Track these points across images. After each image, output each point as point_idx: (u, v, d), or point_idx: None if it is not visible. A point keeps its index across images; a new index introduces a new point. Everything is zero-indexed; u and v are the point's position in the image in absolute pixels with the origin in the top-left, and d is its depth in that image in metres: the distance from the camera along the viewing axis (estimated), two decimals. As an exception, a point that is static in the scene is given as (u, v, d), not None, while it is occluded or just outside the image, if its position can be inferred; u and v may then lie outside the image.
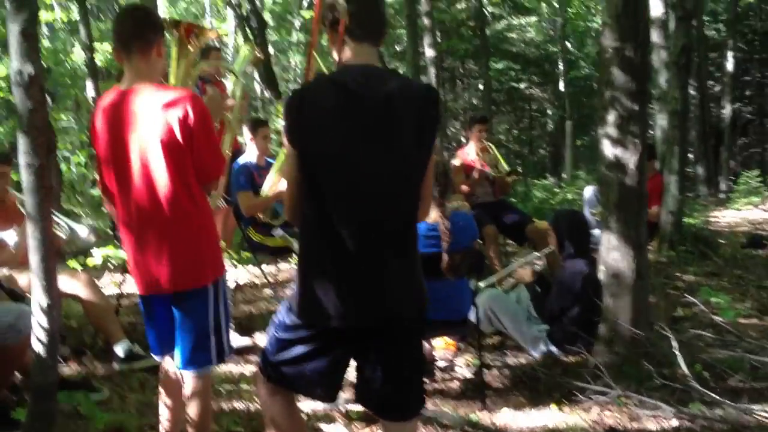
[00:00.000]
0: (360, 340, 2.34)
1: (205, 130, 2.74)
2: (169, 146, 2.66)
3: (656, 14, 8.11)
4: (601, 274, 4.43)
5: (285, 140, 2.28)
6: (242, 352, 4.64)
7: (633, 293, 4.32)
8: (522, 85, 24.51)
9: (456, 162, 6.61)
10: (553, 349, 4.55)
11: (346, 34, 2.29)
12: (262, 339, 4.83)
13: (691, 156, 17.57)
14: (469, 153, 6.64)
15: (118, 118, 2.72)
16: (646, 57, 4.23)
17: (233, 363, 4.49)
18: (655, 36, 8.24)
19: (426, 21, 12.46)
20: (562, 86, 22.17)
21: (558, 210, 5.08)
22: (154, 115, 2.65)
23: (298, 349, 2.36)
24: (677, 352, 3.91)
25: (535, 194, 12.33)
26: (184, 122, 2.65)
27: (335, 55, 2.35)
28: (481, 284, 4.55)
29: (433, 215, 3.83)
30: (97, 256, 5.44)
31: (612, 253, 4.35)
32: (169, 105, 2.65)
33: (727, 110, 18.91)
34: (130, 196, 2.75)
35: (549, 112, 25.87)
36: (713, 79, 22.07)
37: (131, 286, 3.71)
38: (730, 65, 18.67)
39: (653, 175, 6.97)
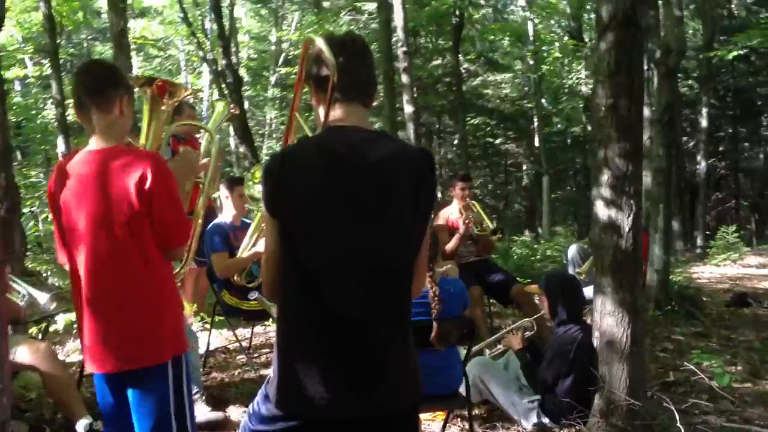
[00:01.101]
0: (353, 430, 2.07)
1: (167, 193, 2.53)
2: (125, 211, 2.47)
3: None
4: (596, 341, 4.22)
5: (263, 208, 2.05)
6: (213, 428, 4.31)
7: (629, 361, 4.10)
8: (497, 141, 24.66)
9: (440, 221, 6.42)
10: (546, 420, 4.29)
11: (334, 93, 2.06)
12: (235, 412, 4.52)
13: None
14: (452, 212, 6.45)
15: (74, 181, 2.52)
16: (640, 114, 4.09)
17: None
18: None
19: (404, 78, 12.39)
20: (537, 141, 22.29)
21: (549, 273, 4.86)
22: (110, 179, 2.47)
23: None
24: (680, 425, 3.70)
25: (515, 251, 12.17)
26: (140, 185, 2.45)
27: (321, 116, 2.12)
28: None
29: (421, 281, 3.61)
30: (59, 321, 5.13)
31: (607, 319, 4.15)
32: (126, 167, 2.47)
33: (701, 166, 19.08)
34: (83, 264, 2.53)
35: (524, 167, 25.99)
36: (687, 135, 22.36)
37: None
38: (704, 121, 18.90)
39: (639, 233, 6.83)
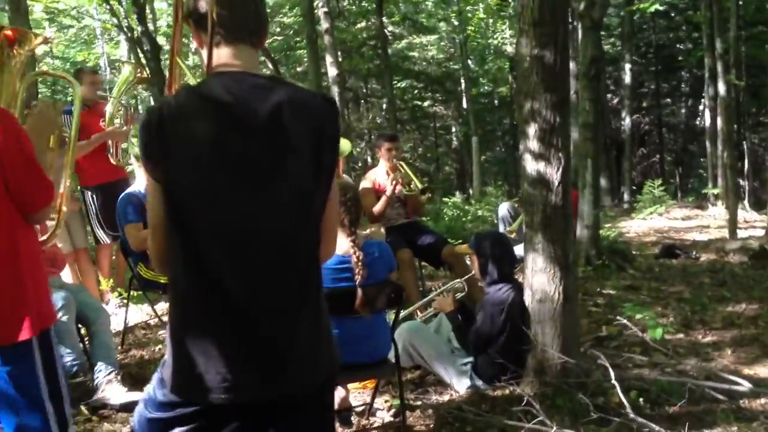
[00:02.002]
0: (256, 417, 1.85)
1: (19, 152, 2.25)
2: None
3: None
4: (527, 299, 4.10)
5: (143, 169, 1.79)
6: (131, 410, 4.04)
7: (561, 318, 4.01)
8: (426, 103, 24.52)
9: (365, 183, 6.20)
10: (479, 383, 4.17)
11: (216, 33, 1.78)
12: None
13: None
14: (379, 174, 6.23)
15: None
16: (566, 64, 3.94)
17: (120, 423, 3.91)
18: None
19: (327, 39, 12.05)
20: (465, 103, 22.23)
21: (479, 232, 4.70)
22: None
23: (178, 431, 1.85)
24: (615, 382, 3.62)
25: (446, 213, 12.06)
26: None
27: (204, 60, 1.84)
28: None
29: (344, 246, 3.40)
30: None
31: (538, 276, 4.03)
32: None
33: (626, 122, 19.33)
34: None
35: (453, 129, 25.97)
36: (611, 92, 22.62)
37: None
38: (627, 78, 19.11)
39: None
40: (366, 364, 3.55)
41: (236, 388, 1.76)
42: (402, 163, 6.15)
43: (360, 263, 3.34)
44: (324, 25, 11.89)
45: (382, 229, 4.51)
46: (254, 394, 1.79)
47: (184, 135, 1.70)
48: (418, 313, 4.83)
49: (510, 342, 4.10)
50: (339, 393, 3.70)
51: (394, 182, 5.91)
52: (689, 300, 6.30)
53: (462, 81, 22.50)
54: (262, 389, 1.80)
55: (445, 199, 13.53)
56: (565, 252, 4.00)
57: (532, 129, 3.95)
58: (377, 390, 3.96)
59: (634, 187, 18.80)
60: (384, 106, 22.48)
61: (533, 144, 3.95)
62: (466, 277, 4.62)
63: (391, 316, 3.84)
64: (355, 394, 4.21)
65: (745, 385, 3.74)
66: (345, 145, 5.77)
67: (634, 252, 8.68)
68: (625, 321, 4.07)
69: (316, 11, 12.24)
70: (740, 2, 13.49)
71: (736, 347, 5.09)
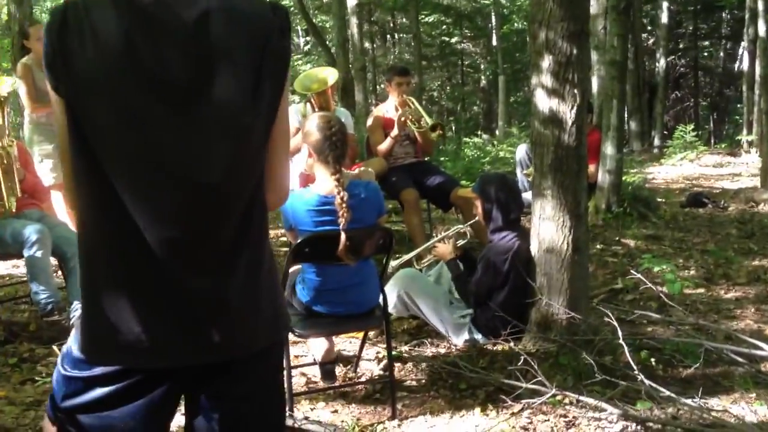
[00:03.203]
0: (186, 380, 1.57)
1: None
2: None
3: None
4: (534, 249, 3.78)
5: (47, 81, 1.46)
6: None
7: (570, 270, 3.69)
8: (454, 40, 23.80)
9: (373, 119, 5.84)
10: (478, 336, 3.89)
11: None
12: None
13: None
14: (388, 108, 5.86)
15: None
16: (585, -13, 3.53)
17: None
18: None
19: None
20: (495, 41, 21.52)
21: (484, 174, 4.30)
22: None
23: (99, 391, 1.57)
24: (622, 341, 3.32)
25: (467, 153, 11.67)
26: None
27: None
28: (393, 263, 3.87)
29: (328, 185, 3.08)
30: None
31: (546, 225, 3.69)
32: None
33: (661, 63, 18.56)
34: None
35: (482, 67, 25.28)
36: (647, 32, 21.74)
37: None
38: (664, 17, 18.26)
39: (590, 130, 6.36)
40: (353, 315, 3.27)
41: (153, 351, 1.47)
42: (412, 99, 5.76)
43: (344, 204, 3.01)
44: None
45: (370, 169, 4.14)
46: (175, 358, 1.51)
47: (87, 41, 1.36)
48: (419, 260, 4.47)
49: (513, 295, 3.79)
50: (323, 344, 3.43)
51: (403, 118, 5.54)
52: (713, 252, 5.94)
53: (493, 18, 21.75)
54: (184, 353, 1.50)
55: (466, 140, 13.10)
56: (577, 198, 3.66)
57: (546, 61, 3.57)
58: (365, 341, 3.68)
59: (665, 132, 18.16)
60: (411, 41, 21.86)
61: (546, 78, 3.57)
62: (471, 221, 4.26)
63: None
64: (345, 344, 3.96)
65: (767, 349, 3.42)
66: (331, 73, 5.35)
67: (659, 200, 8.28)
68: (640, 276, 3.72)
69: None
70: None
71: (760, 305, 4.77)
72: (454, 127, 20.50)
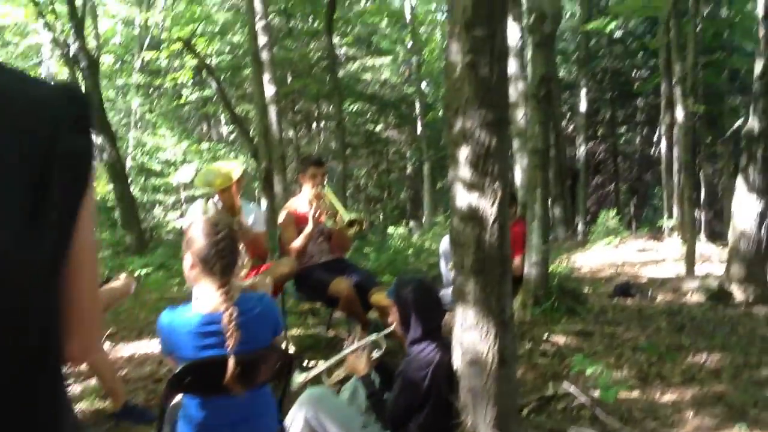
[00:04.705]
0: None
1: None
2: None
3: (511, 42, 7.31)
4: (456, 362, 3.37)
5: None
6: None
7: (496, 385, 3.29)
8: (378, 127, 23.86)
9: (283, 214, 5.42)
10: (398, 464, 3.40)
11: None
12: None
13: (547, 198, 17.33)
14: (301, 203, 5.46)
15: None
16: (504, 75, 3.24)
17: None
18: (512, 66, 7.42)
19: (265, 55, 11.15)
20: (419, 129, 21.62)
21: (400, 277, 3.83)
22: None
23: None
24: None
25: (393, 243, 11.32)
26: None
27: None
28: (299, 380, 3.39)
29: (213, 301, 2.62)
30: None
31: (469, 334, 3.30)
32: None
33: (581, 150, 18.86)
34: None
35: (407, 155, 25.35)
36: (567, 119, 22.23)
37: None
38: (583, 104, 18.67)
39: (515, 221, 6.08)
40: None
41: None
42: (327, 191, 5.38)
43: (233, 323, 2.55)
44: (262, 40, 11.01)
45: (268, 279, 3.70)
46: None
47: None
48: (328, 377, 3.95)
49: (435, 415, 3.34)
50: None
51: (316, 214, 5.14)
52: (646, 348, 5.63)
53: (417, 105, 21.91)
54: None
55: (390, 230, 12.79)
56: (502, 304, 3.28)
57: (463, 152, 3.24)
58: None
59: (588, 217, 18.31)
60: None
61: (464, 171, 3.24)
62: (387, 330, 3.80)
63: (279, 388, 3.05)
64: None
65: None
66: (235, 167, 4.93)
67: (586, 289, 8.03)
68: (570, 390, 3.34)
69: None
70: (699, 27, 13.05)
71: (699, 408, 4.45)
72: (381, 216, 20.28)
